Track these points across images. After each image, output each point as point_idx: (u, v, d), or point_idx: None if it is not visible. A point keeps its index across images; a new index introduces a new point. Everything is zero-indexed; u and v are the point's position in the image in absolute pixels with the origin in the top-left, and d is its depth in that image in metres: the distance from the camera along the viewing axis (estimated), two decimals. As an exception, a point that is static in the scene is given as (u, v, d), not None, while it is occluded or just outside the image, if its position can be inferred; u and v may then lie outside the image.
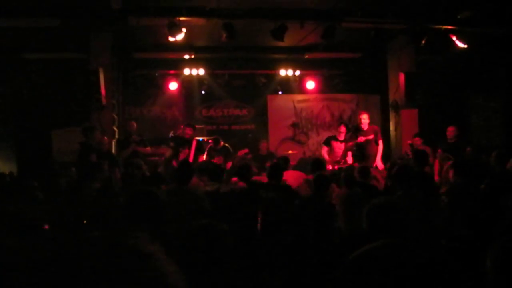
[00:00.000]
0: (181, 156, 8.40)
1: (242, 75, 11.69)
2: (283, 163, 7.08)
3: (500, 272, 1.80)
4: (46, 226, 3.42)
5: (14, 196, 4.81)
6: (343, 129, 9.09)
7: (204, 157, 8.87)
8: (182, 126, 9.26)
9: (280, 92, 11.97)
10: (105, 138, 8.25)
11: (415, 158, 6.26)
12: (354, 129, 8.88)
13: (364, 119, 8.82)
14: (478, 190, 4.38)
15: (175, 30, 7.77)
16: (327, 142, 9.21)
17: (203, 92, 11.62)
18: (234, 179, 6.43)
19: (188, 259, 2.06)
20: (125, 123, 9.84)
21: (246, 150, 9.47)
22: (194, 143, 8.72)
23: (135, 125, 9.24)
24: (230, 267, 2.09)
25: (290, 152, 10.24)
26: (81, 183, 5.31)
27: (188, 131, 8.80)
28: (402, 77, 9.90)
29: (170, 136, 9.45)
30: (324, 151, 9.16)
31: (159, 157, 9.17)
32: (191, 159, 8.45)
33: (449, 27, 8.65)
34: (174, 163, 8.15)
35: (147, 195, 2.81)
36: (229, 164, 8.88)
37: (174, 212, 4.03)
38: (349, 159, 8.67)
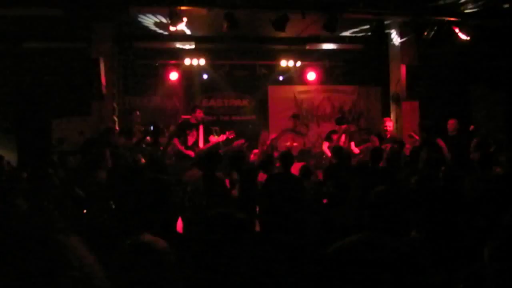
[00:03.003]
0: (190, 140, 8.45)
1: (243, 66, 11.65)
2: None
3: (499, 264, 1.80)
4: None
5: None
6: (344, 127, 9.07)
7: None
8: (184, 117, 9.31)
9: (280, 78, 11.91)
10: (122, 139, 8.27)
11: (370, 156, 6.35)
12: (378, 137, 8.80)
13: (390, 126, 8.83)
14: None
15: (176, 20, 7.74)
16: (328, 137, 9.20)
17: (205, 76, 11.53)
18: None
19: (207, 248, 2.06)
20: (127, 113, 9.90)
21: (242, 141, 9.47)
22: (201, 127, 8.70)
23: (139, 115, 9.27)
24: (249, 256, 2.09)
25: (289, 143, 10.22)
26: (83, 173, 5.32)
27: (199, 113, 8.80)
28: (403, 69, 9.86)
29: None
30: (325, 146, 9.14)
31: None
32: (201, 143, 8.48)
33: (452, 19, 8.60)
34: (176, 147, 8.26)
35: (157, 183, 2.80)
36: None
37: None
38: (353, 148, 8.73)
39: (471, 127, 8.95)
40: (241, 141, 9.44)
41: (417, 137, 8.75)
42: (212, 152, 6.10)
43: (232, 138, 9.10)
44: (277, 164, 6.90)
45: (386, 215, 2.27)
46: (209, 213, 2.23)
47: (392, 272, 1.59)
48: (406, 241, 2.33)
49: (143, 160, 7.23)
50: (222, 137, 8.70)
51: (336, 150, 7.16)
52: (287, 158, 6.16)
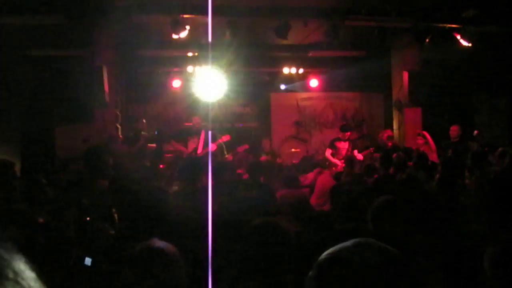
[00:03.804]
0: (190, 146, 8.54)
1: (246, 73, 11.68)
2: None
3: (498, 272, 1.81)
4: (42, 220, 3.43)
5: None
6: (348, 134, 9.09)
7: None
8: (186, 124, 9.38)
9: (282, 86, 11.92)
10: (125, 147, 8.35)
11: (380, 159, 6.25)
12: (377, 149, 8.84)
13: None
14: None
15: (178, 28, 7.78)
16: (331, 145, 9.22)
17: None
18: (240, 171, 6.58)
19: (251, 257, 2.06)
20: (134, 121, 10.00)
21: (246, 146, 9.50)
22: (202, 133, 8.79)
23: (145, 122, 9.34)
24: (291, 265, 2.08)
25: (293, 150, 10.26)
26: (87, 181, 5.32)
27: (195, 120, 8.92)
28: (405, 75, 9.88)
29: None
30: (329, 153, 9.16)
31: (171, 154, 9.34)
32: (200, 149, 8.57)
33: (454, 26, 8.62)
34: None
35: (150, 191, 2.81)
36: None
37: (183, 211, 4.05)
38: (356, 154, 8.74)
39: (475, 132, 8.96)
40: (244, 146, 9.47)
41: (428, 136, 8.67)
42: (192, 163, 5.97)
43: (227, 141, 9.14)
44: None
45: (390, 223, 2.27)
46: (255, 221, 2.23)
47: (384, 278, 1.59)
48: (402, 248, 2.32)
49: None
50: (214, 147, 8.75)
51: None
52: (255, 168, 5.91)
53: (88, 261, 2.63)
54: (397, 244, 2.28)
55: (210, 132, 9.14)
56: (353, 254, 1.65)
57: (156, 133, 9.09)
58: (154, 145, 9.14)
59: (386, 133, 9.06)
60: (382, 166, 6.31)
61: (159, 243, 1.89)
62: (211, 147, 8.72)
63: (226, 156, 8.96)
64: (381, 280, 1.55)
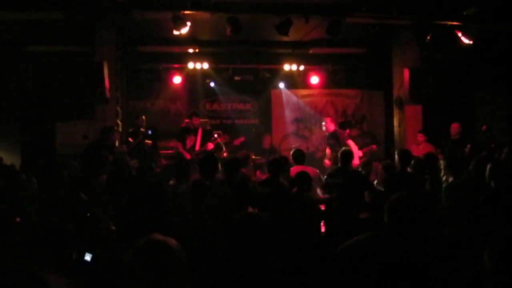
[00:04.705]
0: (188, 144, 8.60)
1: (246, 70, 11.67)
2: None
3: (498, 268, 1.81)
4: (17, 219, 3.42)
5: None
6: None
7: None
8: (186, 120, 9.40)
9: (281, 83, 11.88)
10: (123, 147, 8.41)
11: (399, 157, 6.10)
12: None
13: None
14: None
15: (179, 24, 7.77)
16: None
17: (212, 84, 11.53)
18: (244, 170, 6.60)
19: (233, 249, 2.06)
20: (133, 117, 10.01)
21: (242, 139, 9.51)
22: (200, 131, 8.84)
23: (144, 119, 9.36)
24: (273, 257, 2.09)
25: (293, 147, 10.25)
26: (87, 177, 5.33)
27: (195, 120, 8.97)
28: (406, 73, 9.87)
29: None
30: (329, 150, 9.18)
31: (172, 150, 9.37)
32: (197, 146, 8.63)
33: (455, 23, 8.61)
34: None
35: (152, 187, 2.80)
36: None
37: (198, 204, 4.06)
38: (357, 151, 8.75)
39: (483, 127, 8.97)
40: (241, 139, 9.49)
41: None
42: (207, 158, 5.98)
43: (226, 142, 9.17)
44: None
45: (405, 220, 2.27)
46: (236, 214, 2.24)
47: (399, 268, 1.61)
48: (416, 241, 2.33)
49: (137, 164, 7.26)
50: (211, 145, 8.79)
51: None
52: (275, 165, 5.87)
53: (88, 256, 2.64)
54: (410, 239, 2.29)
55: (207, 131, 9.23)
56: (368, 245, 1.66)
57: (149, 132, 9.07)
58: (150, 142, 9.14)
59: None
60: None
61: (161, 236, 1.90)
62: (209, 145, 8.78)
63: (223, 151, 9.01)
64: (394, 270, 1.56)
